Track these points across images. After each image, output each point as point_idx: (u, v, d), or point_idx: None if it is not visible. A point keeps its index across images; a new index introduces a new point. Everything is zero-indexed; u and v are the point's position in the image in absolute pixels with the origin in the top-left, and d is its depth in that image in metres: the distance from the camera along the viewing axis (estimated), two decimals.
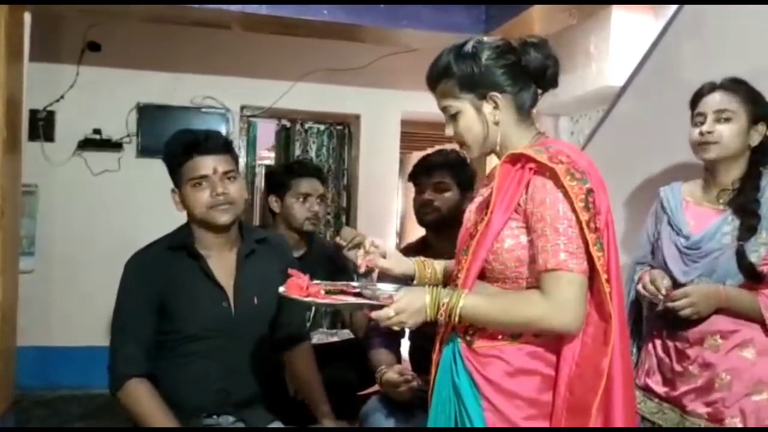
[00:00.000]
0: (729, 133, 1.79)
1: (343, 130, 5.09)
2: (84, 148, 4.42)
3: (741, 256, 1.73)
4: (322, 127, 5.03)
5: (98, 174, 4.44)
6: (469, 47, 1.40)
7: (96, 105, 4.41)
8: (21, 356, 3.21)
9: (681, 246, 1.84)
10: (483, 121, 1.40)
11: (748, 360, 1.73)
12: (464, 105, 1.41)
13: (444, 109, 1.44)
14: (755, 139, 1.80)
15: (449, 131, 1.45)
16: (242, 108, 4.73)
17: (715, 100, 1.82)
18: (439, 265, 1.63)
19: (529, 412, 1.36)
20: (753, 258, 1.72)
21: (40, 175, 4.26)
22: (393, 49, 4.31)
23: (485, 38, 1.43)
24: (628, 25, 3.60)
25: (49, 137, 4.36)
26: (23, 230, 3.76)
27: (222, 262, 1.88)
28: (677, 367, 1.82)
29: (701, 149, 1.83)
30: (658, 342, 1.89)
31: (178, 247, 1.87)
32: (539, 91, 1.44)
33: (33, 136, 4.20)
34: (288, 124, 4.94)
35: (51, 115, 4.36)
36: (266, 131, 4.99)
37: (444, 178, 2.34)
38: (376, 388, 2.19)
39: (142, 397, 1.75)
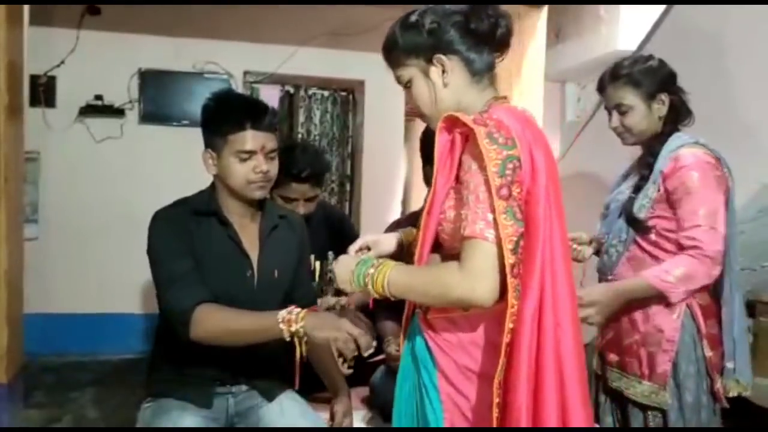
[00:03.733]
0: (632, 122, 1.91)
1: (347, 96, 5.04)
2: (85, 114, 4.39)
3: (627, 209, 1.89)
4: (326, 93, 4.98)
5: (100, 140, 4.41)
6: (413, 16, 1.39)
7: (97, 70, 4.37)
8: (27, 323, 3.22)
9: (604, 208, 2.04)
10: (431, 85, 1.37)
11: (647, 313, 1.87)
12: (412, 71, 1.39)
13: (398, 80, 1.43)
14: (662, 111, 1.91)
15: (409, 104, 1.45)
16: (245, 73, 4.68)
17: (609, 96, 1.94)
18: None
19: (478, 382, 1.33)
20: (641, 213, 1.85)
21: (41, 142, 4.23)
22: (399, 11, 4.23)
23: (432, 6, 1.39)
24: None
25: (50, 103, 4.33)
26: (26, 198, 3.75)
27: (245, 231, 1.87)
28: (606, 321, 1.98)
29: (620, 138, 1.97)
30: None
31: (205, 212, 1.84)
32: (496, 54, 1.40)
33: (34, 101, 4.17)
34: (291, 90, 4.89)
35: (52, 80, 4.32)
36: (269, 97, 4.93)
37: None
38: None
39: (218, 313, 1.68)
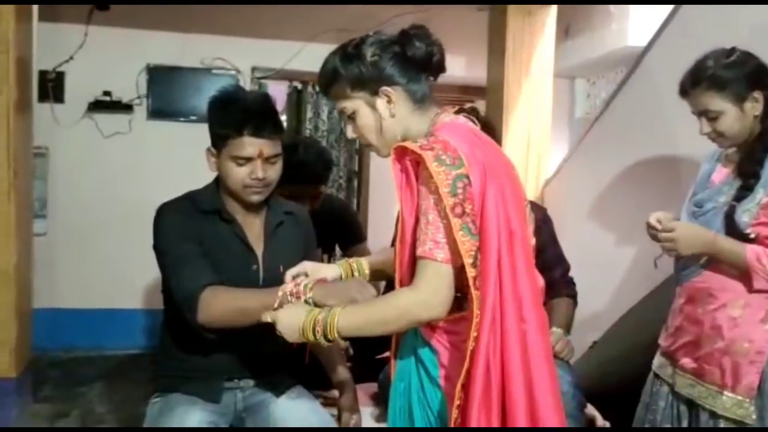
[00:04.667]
0: (724, 127, 1.75)
1: None
2: (94, 109, 4.39)
3: (728, 215, 1.73)
4: None
5: (109, 136, 4.41)
6: (351, 48, 1.42)
7: (105, 66, 4.36)
8: (35, 318, 3.23)
9: (692, 204, 1.86)
10: (377, 117, 1.42)
11: (732, 319, 1.74)
12: (358, 104, 1.42)
13: (341, 112, 1.46)
14: (757, 109, 1.74)
15: (350, 133, 1.48)
16: (253, 69, 4.67)
17: (695, 103, 1.79)
18: (368, 262, 1.69)
19: None
20: (744, 217, 1.71)
21: (50, 138, 4.24)
22: (406, 9, 4.22)
23: (369, 35, 1.43)
24: None
25: (58, 99, 4.33)
26: (35, 193, 3.75)
27: (250, 228, 1.87)
28: (676, 322, 1.87)
29: (714, 142, 1.83)
30: (673, 300, 1.93)
31: (209, 210, 1.84)
32: (431, 78, 1.45)
33: (42, 97, 4.17)
34: (299, 86, 4.88)
35: (60, 76, 4.32)
36: (277, 94, 4.93)
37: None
38: None
39: (225, 294, 1.68)
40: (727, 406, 1.72)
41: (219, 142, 1.79)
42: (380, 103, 1.40)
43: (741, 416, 1.70)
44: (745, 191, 1.73)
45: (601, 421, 2.27)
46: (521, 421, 1.28)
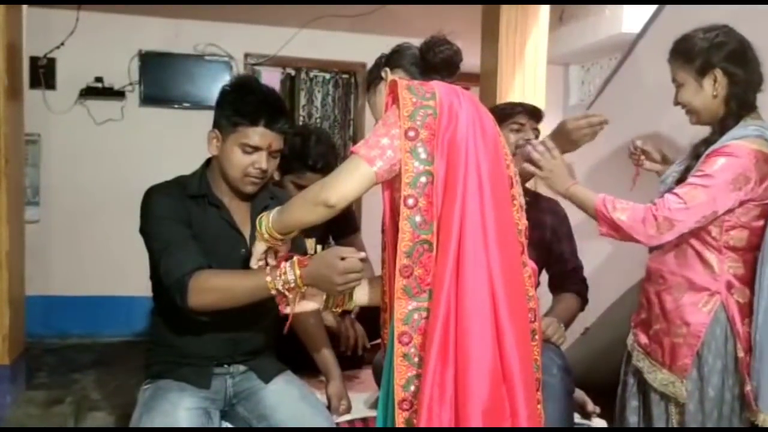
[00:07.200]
0: (683, 98, 1.82)
1: (348, 79, 5.01)
2: (86, 96, 4.37)
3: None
4: (328, 76, 4.95)
5: (101, 123, 4.39)
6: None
7: (97, 52, 4.34)
8: (28, 305, 3.23)
9: (660, 182, 1.96)
10: (378, 95, 1.64)
11: (675, 301, 1.81)
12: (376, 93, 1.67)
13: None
14: (717, 90, 1.76)
15: None
16: (246, 56, 4.65)
17: (671, 70, 1.85)
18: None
19: None
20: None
21: (42, 124, 4.22)
22: None
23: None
24: None
25: (50, 85, 4.30)
26: (27, 180, 3.74)
27: (236, 212, 1.89)
28: (640, 299, 1.95)
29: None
30: None
31: (197, 195, 1.85)
32: (438, 76, 1.58)
33: (34, 83, 4.15)
34: (293, 73, 4.87)
35: (51, 62, 4.30)
36: (270, 80, 4.91)
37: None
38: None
39: (214, 278, 1.69)
40: (664, 383, 1.82)
41: (229, 127, 1.80)
42: (381, 84, 1.61)
43: (673, 393, 1.81)
44: (684, 174, 1.79)
45: (591, 407, 2.28)
46: (480, 334, 1.35)
